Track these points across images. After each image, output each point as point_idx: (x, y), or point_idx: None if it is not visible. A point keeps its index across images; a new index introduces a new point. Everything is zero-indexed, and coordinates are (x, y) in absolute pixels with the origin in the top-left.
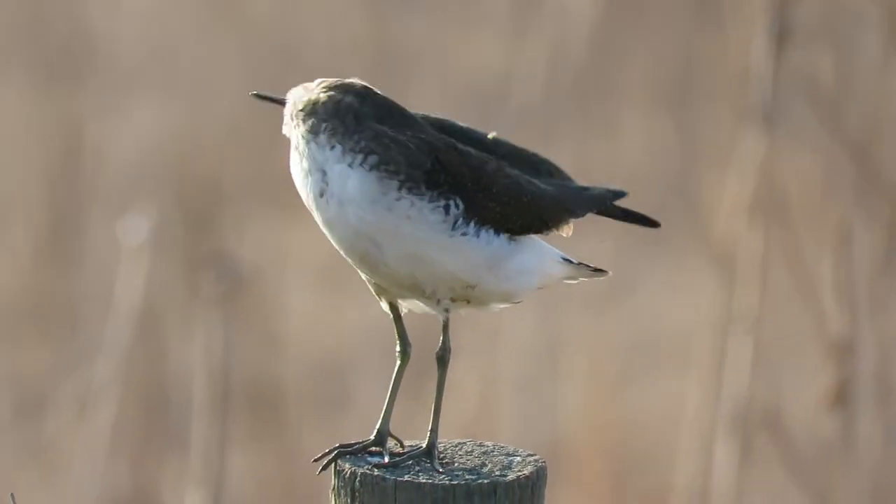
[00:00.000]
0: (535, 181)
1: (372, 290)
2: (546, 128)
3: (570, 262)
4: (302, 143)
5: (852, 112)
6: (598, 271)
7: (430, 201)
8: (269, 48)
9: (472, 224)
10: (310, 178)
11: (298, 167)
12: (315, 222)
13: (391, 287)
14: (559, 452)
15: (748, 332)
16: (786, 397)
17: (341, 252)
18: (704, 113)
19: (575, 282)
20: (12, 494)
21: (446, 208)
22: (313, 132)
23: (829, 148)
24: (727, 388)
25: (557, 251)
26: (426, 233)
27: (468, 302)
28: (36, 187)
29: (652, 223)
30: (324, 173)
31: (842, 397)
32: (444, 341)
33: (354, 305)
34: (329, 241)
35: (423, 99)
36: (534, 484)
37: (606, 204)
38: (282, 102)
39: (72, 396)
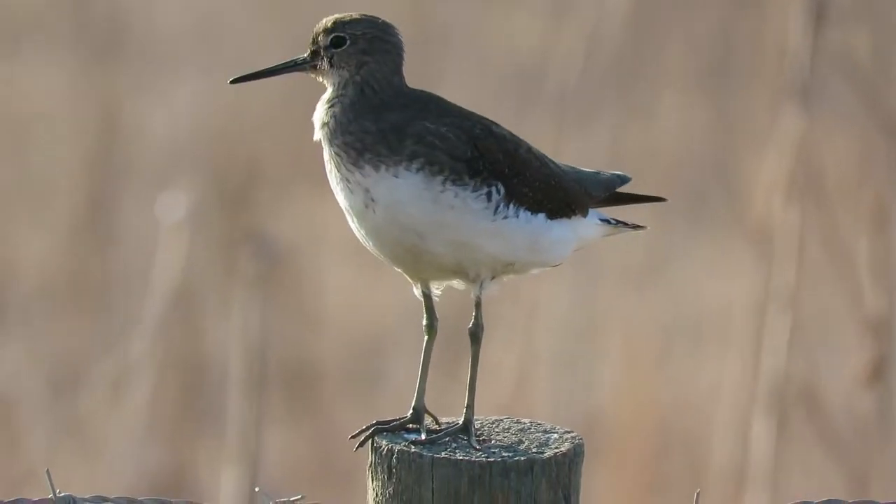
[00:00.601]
0: (557, 164)
1: (407, 276)
2: (584, 110)
3: (609, 222)
4: (344, 171)
5: (890, 91)
6: (637, 227)
7: (474, 190)
8: (309, 26)
9: (511, 206)
10: (353, 196)
11: (336, 178)
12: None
13: (432, 273)
14: (596, 429)
15: (785, 310)
16: (822, 375)
17: (379, 250)
18: (742, 93)
19: (616, 234)
20: (48, 471)
21: (488, 195)
22: (355, 163)
23: (866, 127)
24: (764, 366)
25: (596, 213)
26: (470, 220)
27: (506, 275)
28: (75, 165)
29: (658, 199)
30: (367, 191)
31: (878, 374)
32: (476, 318)
33: (390, 283)
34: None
35: (460, 81)
36: (571, 461)
37: (616, 187)
38: (261, 75)
39: (108, 374)
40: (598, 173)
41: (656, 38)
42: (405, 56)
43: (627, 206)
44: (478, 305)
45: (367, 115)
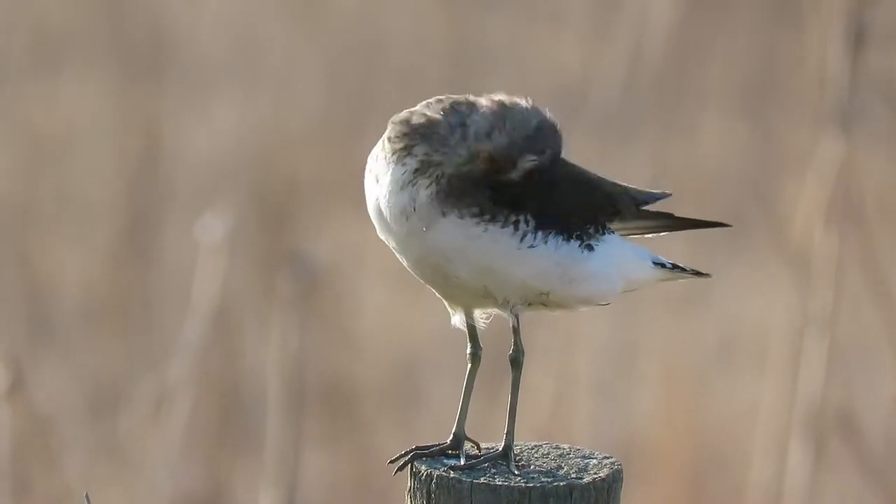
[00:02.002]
0: (590, 172)
1: (445, 303)
2: (624, 129)
3: (664, 265)
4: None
5: None
6: (699, 274)
7: (504, 226)
8: (350, 46)
9: (539, 234)
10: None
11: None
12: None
13: (464, 297)
14: (634, 454)
15: (823, 333)
16: (860, 399)
17: (410, 268)
18: (782, 115)
19: (675, 280)
20: (87, 494)
21: (516, 224)
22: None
23: None
24: (802, 390)
25: (649, 253)
26: (495, 248)
27: (545, 306)
28: (115, 184)
29: (721, 224)
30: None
31: None
32: (515, 343)
33: (430, 305)
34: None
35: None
36: (609, 486)
37: (656, 199)
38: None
39: (147, 395)
40: (635, 188)
41: (697, 58)
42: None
43: (687, 231)
44: (516, 332)
45: None
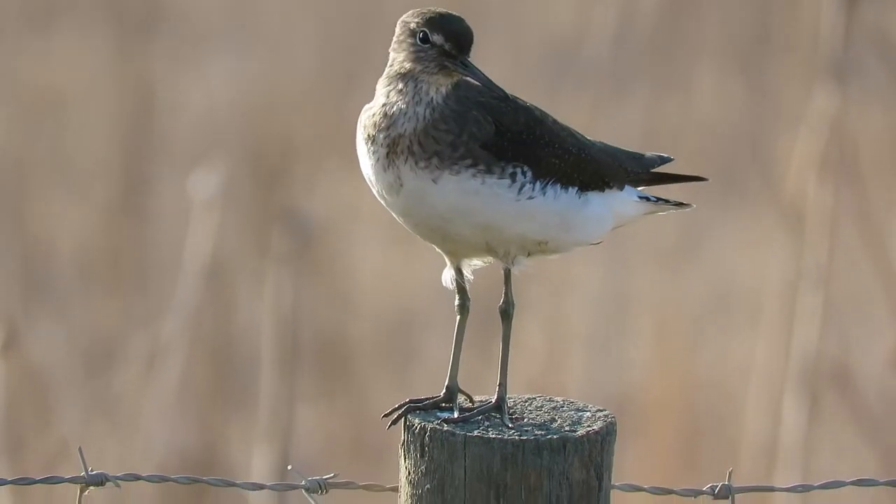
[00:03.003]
0: (589, 139)
1: (445, 257)
2: (618, 84)
3: (649, 199)
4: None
5: None
6: (681, 205)
7: (500, 177)
8: (343, 4)
9: (538, 185)
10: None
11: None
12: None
13: (465, 251)
14: (628, 407)
15: (817, 288)
16: (854, 354)
17: (411, 229)
18: (776, 70)
19: (662, 213)
20: (80, 449)
21: (513, 176)
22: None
23: None
24: (796, 345)
25: (634, 190)
26: (495, 203)
27: (543, 253)
28: (109, 143)
29: (698, 178)
30: (399, 176)
31: None
32: (506, 295)
33: (423, 260)
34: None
35: (495, 59)
36: (603, 439)
37: (655, 166)
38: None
39: (141, 352)
40: (638, 154)
41: (691, 14)
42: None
43: (668, 185)
44: (508, 282)
45: None
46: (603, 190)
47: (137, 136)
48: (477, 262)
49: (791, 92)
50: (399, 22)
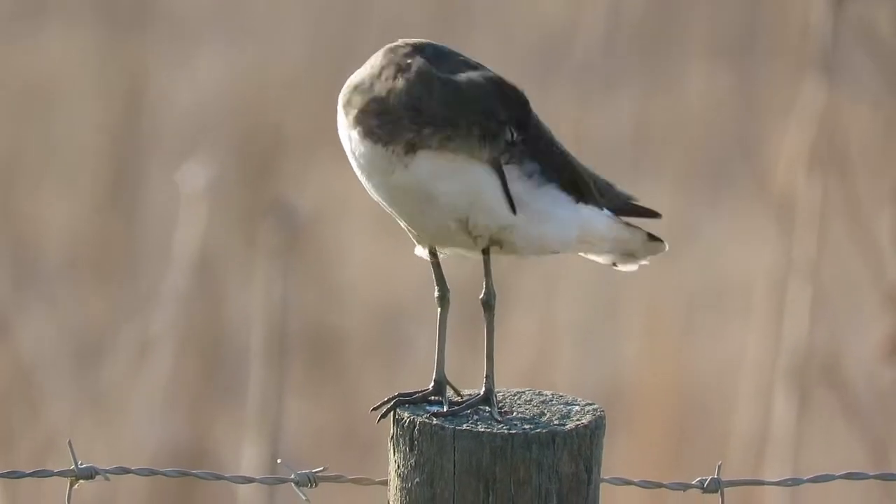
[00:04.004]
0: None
1: (412, 237)
2: (607, 79)
3: (620, 220)
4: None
5: None
6: (654, 240)
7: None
8: None
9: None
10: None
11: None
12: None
13: (433, 228)
14: (618, 401)
15: (807, 281)
16: (844, 347)
17: (385, 200)
18: (765, 64)
19: (634, 266)
20: (69, 442)
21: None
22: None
23: (888, 99)
24: (786, 338)
25: (605, 210)
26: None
27: (501, 247)
28: (98, 135)
29: (653, 214)
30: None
31: None
32: (487, 286)
33: (413, 253)
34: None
35: (483, 51)
36: (592, 433)
37: (620, 202)
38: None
39: (131, 344)
40: (609, 183)
41: (680, 9)
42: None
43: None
44: (487, 273)
45: None
46: (576, 197)
47: (126, 128)
48: (446, 250)
49: (780, 87)
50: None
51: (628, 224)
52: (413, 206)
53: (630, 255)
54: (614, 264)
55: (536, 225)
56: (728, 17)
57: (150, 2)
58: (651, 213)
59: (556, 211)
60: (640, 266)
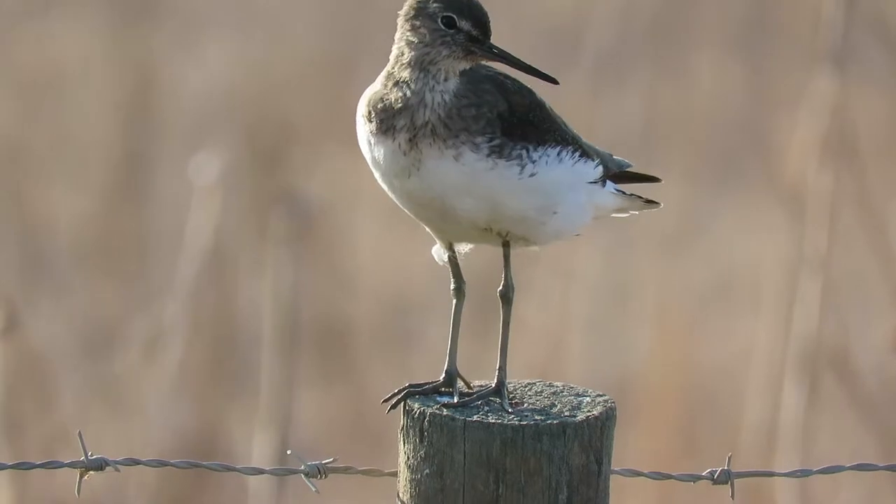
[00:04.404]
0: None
1: (434, 236)
2: (619, 70)
3: (623, 193)
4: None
5: None
6: (651, 203)
7: (509, 157)
8: None
9: (540, 162)
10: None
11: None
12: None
13: (457, 232)
14: (629, 392)
15: (817, 272)
16: (854, 338)
17: (411, 206)
18: (776, 55)
19: (625, 215)
20: (80, 433)
21: (520, 156)
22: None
23: None
24: (796, 329)
25: (611, 184)
26: (504, 179)
27: (527, 240)
28: (109, 125)
29: (653, 179)
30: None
31: None
32: (506, 278)
33: (423, 244)
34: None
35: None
36: (603, 424)
37: (617, 169)
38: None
39: (142, 335)
40: (608, 152)
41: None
42: None
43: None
44: (507, 266)
45: None
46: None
47: (137, 118)
48: (465, 247)
49: (791, 77)
50: (410, 8)
51: (629, 194)
52: (435, 219)
53: (624, 212)
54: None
55: (560, 219)
56: (739, 8)
57: None
58: (649, 178)
59: (575, 199)
60: (631, 214)
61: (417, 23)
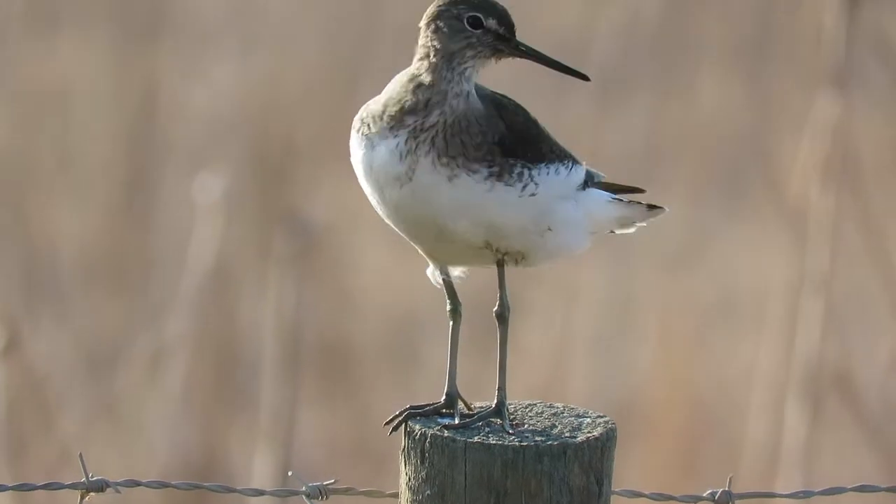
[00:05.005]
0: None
1: (426, 258)
2: (623, 87)
3: (621, 200)
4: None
5: None
6: (654, 208)
7: (508, 179)
8: (346, 5)
9: (538, 180)
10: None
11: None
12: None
13: (449, 254)
14: (632, 411)
15: (820, 292)
16: (856, 357)
17: (400, 222)
18: (779, 74)
19: (632, 229)
20: (80, 455)
21: (520, 175)
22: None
23: None
24: (799, 349)
25: (606, 193)
26: (502, 202)
27: (524, 257)
28: (112, 144)
29: (638, 190)
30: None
31: None
32: (501, 299)
33: (426, 263)
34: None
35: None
36: (603, 445)
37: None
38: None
39: (144, 354)
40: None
41: (695, 17)
42: None
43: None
44: (501, 285)
45: None
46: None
47: (141, 137)
48: (459, 271)
49: (794, 97)
50: (433, 13)
51: (629, 202)
52: (428, 238)
53: (629, 223)
54: (612, 231)
55: (557, 234)
56: (742, 27)
57: (164, 12)
58: (636, 190)
59: (571, 210)
60: (638, 227)
61: (441, 24)
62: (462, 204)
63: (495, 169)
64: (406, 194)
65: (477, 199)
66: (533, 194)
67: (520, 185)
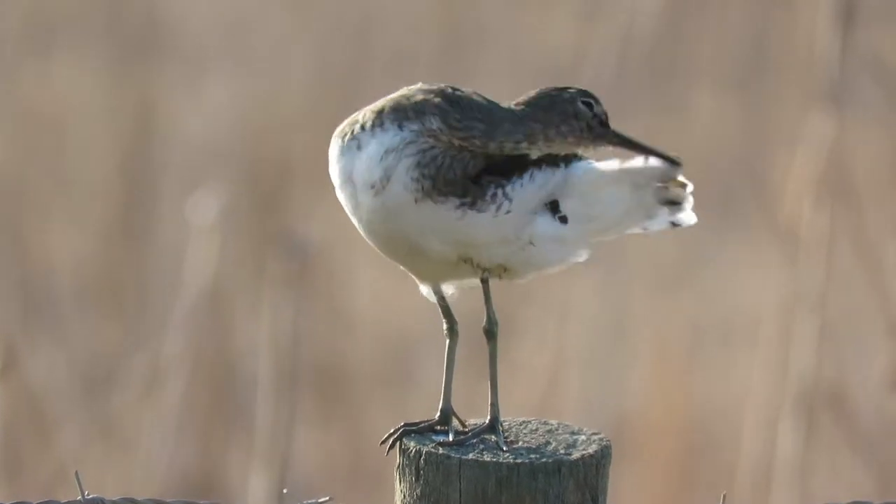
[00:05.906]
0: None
1: (413, 276)
2: (617, 106)
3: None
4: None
5: None
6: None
7: (481, 207)
8: (341, 27)
9: (513, 196)
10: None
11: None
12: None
13: (429, 270)
14: (626, 430)
15: (814, 311)
16: (851, 377)
17: (374, 238)
18: (773, 92)
19: (688, 217)
20: (77, 473)
21: (493, 197)
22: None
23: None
24: (793, 368)
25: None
26: (473, 226)
27: (506, 270)
28: (108, 165)
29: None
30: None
31: None
32: (488, 314)
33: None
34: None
35: (493, 80)
36: (598, 462)
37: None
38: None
39: (140, 374)
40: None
41: (688, 37)
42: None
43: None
44: (487, 301)
45: None
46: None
47: (136, 158)
48: (451, 289)
49: (788, 114)
50: (542, 97)
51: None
52: (402, 254)
53: (669, 199)
54: (673, 224)
55: (538, 248)
56: (736, 46)
57: (159, 33)
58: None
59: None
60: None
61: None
62: (429, 226)
63: (468, 199)
64: (377, 205)
65: (445, 223)
66: (508, 211)
67: (493, 207)
